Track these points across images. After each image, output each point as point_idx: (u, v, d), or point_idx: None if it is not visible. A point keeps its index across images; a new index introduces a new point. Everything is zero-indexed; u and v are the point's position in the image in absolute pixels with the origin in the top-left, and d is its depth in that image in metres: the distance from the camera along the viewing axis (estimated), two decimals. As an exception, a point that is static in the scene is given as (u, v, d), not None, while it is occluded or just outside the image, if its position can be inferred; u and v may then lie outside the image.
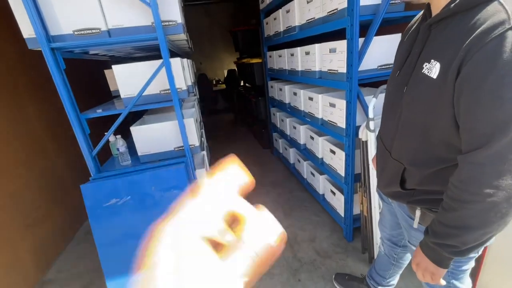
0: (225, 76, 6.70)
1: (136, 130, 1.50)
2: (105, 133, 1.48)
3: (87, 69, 2.80)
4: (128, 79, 1.44)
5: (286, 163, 3.11)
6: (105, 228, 1.35)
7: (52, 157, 2.23)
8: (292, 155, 2.86)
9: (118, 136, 1.59)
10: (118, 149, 1.57)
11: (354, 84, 1.47)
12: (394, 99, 0.81)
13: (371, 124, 1.43)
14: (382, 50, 1.54)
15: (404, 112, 0.75)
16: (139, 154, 1.55)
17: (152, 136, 1.53)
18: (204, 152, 2.00)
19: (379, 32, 1.44)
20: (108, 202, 1.34)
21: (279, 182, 2.88)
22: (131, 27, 1.31)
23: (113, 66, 1.41)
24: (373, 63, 1.56)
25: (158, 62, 1.40)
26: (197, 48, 6.81)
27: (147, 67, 1.43)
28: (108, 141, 1.67)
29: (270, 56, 2.92)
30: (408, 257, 1.24)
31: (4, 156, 1.75)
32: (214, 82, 7.19)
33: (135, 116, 2.06)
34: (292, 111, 2.53)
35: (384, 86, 1.48)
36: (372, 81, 1.59)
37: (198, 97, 3.55)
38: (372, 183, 1.52)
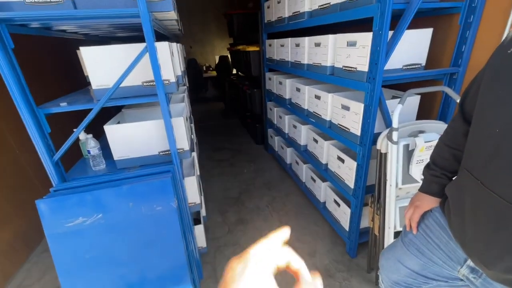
0: (217, 62, 6.31)
1: (111, 130, 1.22)
2: (74, 130, 1.19)
3: (58, 49, 2.41)
4: (101, 66, 1.14)
5: (281, 163, 2.90)
6: (69, 253, 1.08)
7: (14, 151, 1.89)
8: (289, 155, 2.65)
9: (89, 136, 1.30)
10: (89, 152, 1.28)
11: (378, 86, 1.24)
12: None
13: (395, 135, 1.22)
14: (410, 47, 1.31)
15: None
16: (115, 158, 1.27)
17: (131, 138, 1.25)
18: (195, 154, 1.74)
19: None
20: (73, 222, 1.07)
21: (274, 184, 2.67)
22: (105, -2, 1.01)
23: (81, 48, 1.10)
24: (397, 61, 1.33)
25: (140, 46, 1.11)
26: (187, 31, 6.35)
27: (127, 51, 1.13)
28: (78, 139, 1.38)
29: (269, 45, 2.63)
30: None
31: None
32: (205, 68, 6.79)
33: (115, 109, 1.75)
34: (293, 108, 2.29)
35: (413, 91, 1.27)
36: (391, 84, 1.37)
37: (187, 85, 3.24)
38: (388, 200, 1.33)
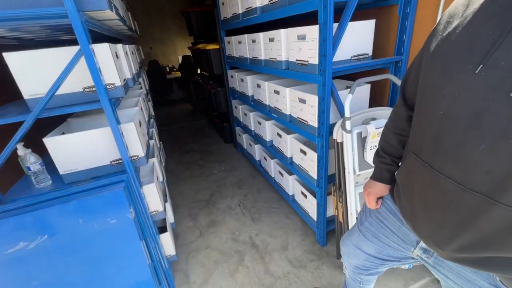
0: (180, 62, 6.12)
1: (52, 142, 1.11)
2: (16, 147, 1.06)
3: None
4: (32, 73, 1.03)
5: (251, 160, 2.90)
6: (12, 283, 0.98)
7: None
8: (257, 152, 2.65)
9: (28, 150, 1.17)
10: (29, 168, 1.16)
11: (328, 77, 1.27)
12: (485, 110, 0.47)
13: (348, 124, 1.26)
14: (356, 39, 1.36)
15: None
16: (60, 173, 1.17)
17: (77, 149, 1.15)
18: (155, 160, 1.66)
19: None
20: (13, 247, 0.96)
21: (245, 181, 2.66)
22: (26, -4, 0.90)
23: (4, 55, 0.99)
24: (346, 53, 1.38)
25: (74, 49, 1.02)
26: (145, 31, 6.08)
27: (59, 55, 1.03)
28: (17, 155, 1.25)
29: (228, 42, 2.60)
30: (374, 278, 1.10)
31: None
32: (168, 69, 6.55)
33: (64, 117, 1.60)
34: (256, 104, 2.29)
35: (362, 80, 1.31)
36: (342, 74, 1.41)
37: (147, 88, 3.10)
38: (349, 187, 1.38)
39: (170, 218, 1.94)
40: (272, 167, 2.30)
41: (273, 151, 2.17)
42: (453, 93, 0.51)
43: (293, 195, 2.06)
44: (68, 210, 1.02)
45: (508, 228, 0.48)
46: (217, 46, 3.05)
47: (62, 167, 1.17)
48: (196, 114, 5.34)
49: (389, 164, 0.85)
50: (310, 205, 1.78)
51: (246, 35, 2.07)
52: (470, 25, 0.50)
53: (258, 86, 2.11)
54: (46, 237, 1.00)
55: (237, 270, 1.66)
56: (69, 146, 1.14)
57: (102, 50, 1.11)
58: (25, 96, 1.05)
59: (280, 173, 2.15)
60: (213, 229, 2.04)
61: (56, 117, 1.11)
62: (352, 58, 1.40)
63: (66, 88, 1.07)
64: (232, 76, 2.78)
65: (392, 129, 0.83)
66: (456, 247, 0.58)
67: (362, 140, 1.33)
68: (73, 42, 1.22)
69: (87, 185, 1.13)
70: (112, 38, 2.09)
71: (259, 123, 2.32)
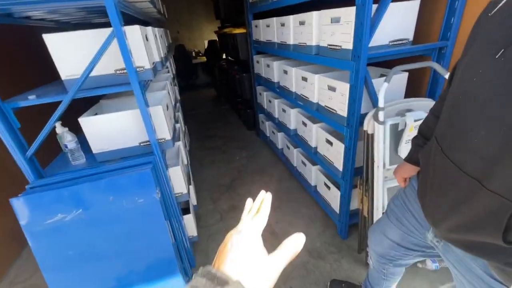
0: (206, 47, 6.12)
1: (86, 122, 1.16)
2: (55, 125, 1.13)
3: (29, 40, 2.28)
4: (69, 54, 1.07)
5: (273, 148, 2.87)
6: (51, 250, 1.06)
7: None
8: (280, 140, 2.61)
9: (65, 129, 1.24)
10: (66, 146, 1.23)
11: (362, 64, 1.19)
12: (492, 97, 0.46)
13: (381, 115, 1.18)
14: (396, 21, 1.25)
15: None
16: (93, 151, 1.23)
17: (109, 129, 1.20)
18: (180, 143, 1.69)
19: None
20: (52, 218, 1.04)
21: (266, 169, 2.65)
22: (63, -22, 0.92)
23: (44, 36, 1.03)
24: (383, 37, 1.27)
25: (107, 31, 1.03)
26: (173, 16, 6.11)
27: (94, 37, 1.06)
28: (56, 133, 1.33)
29: (256, 26, 2.53)
30: (399, 271, 1.08)
31: None
32: (194, 54, 6.60)
33: (98, 99, 1.67)
34: (281, 91, 2.23)
35: (399, 67, 1.21)
36: (378, 61, 1.31)
37: (174, 72, 3.14)
38: (376, 182, 1.32)
39: (193, 200, 2.00)
40: (295, 156, 2.26)
41: (297, 140, 2.13)
42: (472, 78, 0.50)
43: (315, 186, 2.02)
44: (100, 187, 1.07)
45: (491, 213, 0.49)
46: (244, 30, 2.98)
47: (95, 146, 1.23)
48: (220, 100, 5.37)
49: (419, 145, 0.85)
50: (333, 197, 1.73)
51: (275, 18, 2.00)
52: (508, 5, 0.46)
53: (285, 72, 2.05)
54: (80, 211, 1.06)
55: (256, 255, 1.69)
56: (102, 126, 1.19)
57: (133, 32, 1.12)
58: (62, 77, 1.10)
59: (303, 163, 2.10)
60: (233, 214, 2.08)
61: (90, 98, 1.15)
62: (390, 44, 1.29)
63: (99, 70, 1.10)
64: (258, 62, 2.72)
65: (433, 111, 0.83)
66: (448, 226, 0.60)
67: (396, 133, 1.24)
68: (107, 25, 1.24)
69: (118, 165, 1.18)
70: (141, 21, 2.11)
71: (284, 110, 2.26)
